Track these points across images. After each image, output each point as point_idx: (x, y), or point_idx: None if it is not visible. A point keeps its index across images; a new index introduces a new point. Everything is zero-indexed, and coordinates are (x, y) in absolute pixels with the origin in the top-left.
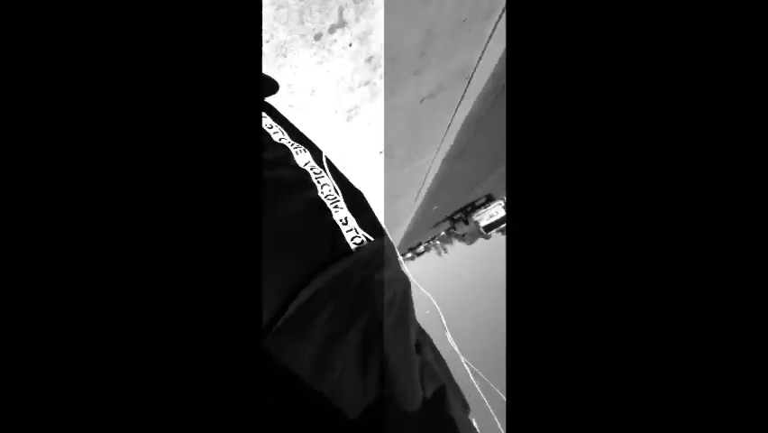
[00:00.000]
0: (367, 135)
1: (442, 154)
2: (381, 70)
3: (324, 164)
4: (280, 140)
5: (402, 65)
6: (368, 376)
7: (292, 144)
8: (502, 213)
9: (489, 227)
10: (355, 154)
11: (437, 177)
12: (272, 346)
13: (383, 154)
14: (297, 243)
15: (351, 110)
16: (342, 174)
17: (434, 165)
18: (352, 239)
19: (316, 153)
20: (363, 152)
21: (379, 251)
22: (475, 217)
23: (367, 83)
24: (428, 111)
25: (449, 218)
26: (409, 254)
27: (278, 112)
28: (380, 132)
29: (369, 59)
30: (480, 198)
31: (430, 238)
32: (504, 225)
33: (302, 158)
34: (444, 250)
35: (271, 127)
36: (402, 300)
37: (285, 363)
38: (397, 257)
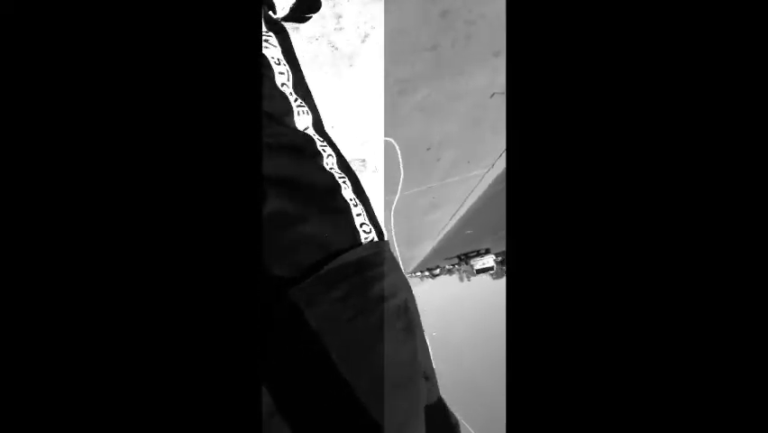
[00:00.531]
0: (416, 122)
1: (494, 173)
2: (455, 36)
3: (327, 134)
4: (282, 85)
5: (481, 35)
6: (361, 381)
7: (295, 99)
8: (491, 263)
9: (479, 271)
10: (396, 141)
11: (481, 198)
12: (295, 299)
13: (429, 152)
14: (321, 212)
15: (406, 81)
16: (341, 152)
17: (483, 183)
18: (361, 225)
19: (317, 118)
20: (406, 142)
21: (386, 253)
22: (471, 261)
23: (434, 48)
24: (495, 112)
25: (457, 257)
26: (427, 273)
27: (292, 48)
28: (434, 122)
29: (443, 14)
30: (482, 249)
31: (446, 266)
32: (491, 273)
33: (303, 120)
34: (468, 278)
35: (279, 63)
36: (406, 309)
37: (296, 324)
38: (399, 263)
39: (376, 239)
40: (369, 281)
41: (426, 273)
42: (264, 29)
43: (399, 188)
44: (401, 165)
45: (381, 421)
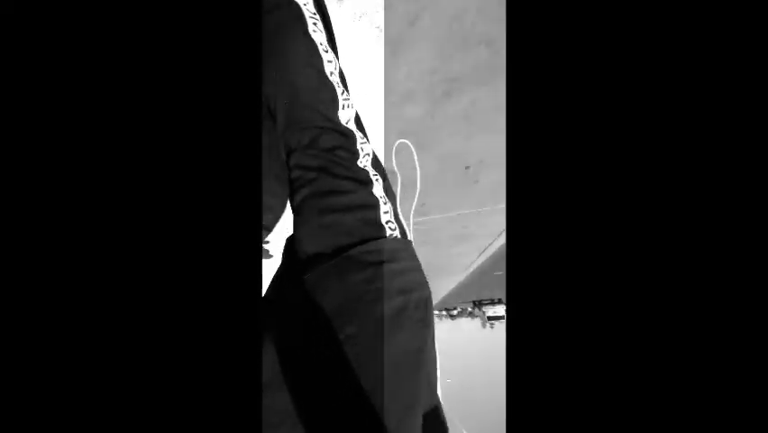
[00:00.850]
0: (458, 132)
1: None
2: None
3: (365, 129)
4: (331, 74)
5: None
6: (370, 368)
7: (342, 92)
8: (502, 312)
9: (489, 318)
10: (429, 156)
11: None
12: (317, 279)
13: (467, 172)
14: (352, 203)
15: (453, 80)
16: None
17: None
18: (387, 222)
19: (356, 112)
20: (442, 155)
21: (410, 252)
22: (484, 309)
23: (491, 42)
24: None
25: (473, 302)
26: (444, 313)
27: (333, 33)
28: (478, 135)
29: None
30: (495, 298)
31: (467, 308)
32: (501, 321)
33: (346, 114)
34: (491, 325)
35: (327, 51)
36: (425, 305)
37: (317, 298)
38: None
39: (399, 237)
40: (392, 272)
41: (444, 313)
42: (312, 10)
43: (416, 199)
44: (418, 171)
45: (382, 412)
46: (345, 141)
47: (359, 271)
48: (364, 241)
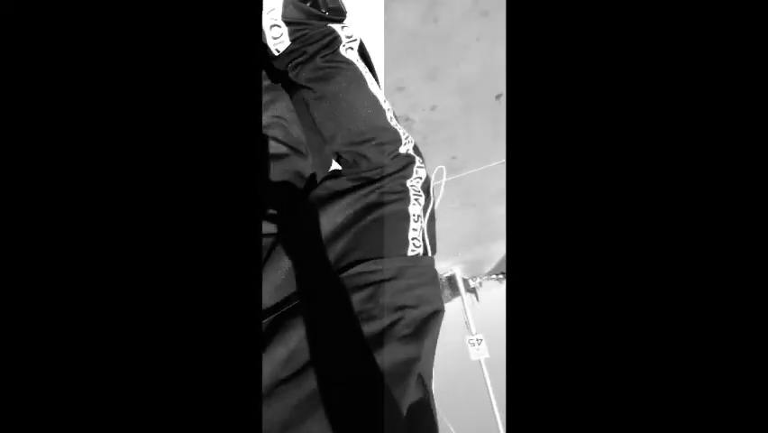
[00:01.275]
0: (474, 41)
1: None
2: None
3: (419, 150)
4: (391, 120)
5: None
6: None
7: (404, 133)
8: None
9: None
10: (442, 87)
11: None
12: (347, 281)
13: (501, 101)
14: (389, 212)
15: None
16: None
17: None
18: (413, 238)
19: (414, 142)
20: (463, 87)
21: (424, 268)
22: None
23: None
24: None
25: (501, 273)
26: (501, 276)
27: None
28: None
29: None
30: None
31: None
32: None
33: (406, 146)
34: None
35: (385, 101)
36: (423, 321)
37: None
38: (438, 279)
39: (420, 254)
40: (394, 289)
41: (501, 276)
42: (362, 64)
43: (429, 211)
44: (442, 184)
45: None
46: (404, 170)
47: (360, 289)
48: (378, 257)
